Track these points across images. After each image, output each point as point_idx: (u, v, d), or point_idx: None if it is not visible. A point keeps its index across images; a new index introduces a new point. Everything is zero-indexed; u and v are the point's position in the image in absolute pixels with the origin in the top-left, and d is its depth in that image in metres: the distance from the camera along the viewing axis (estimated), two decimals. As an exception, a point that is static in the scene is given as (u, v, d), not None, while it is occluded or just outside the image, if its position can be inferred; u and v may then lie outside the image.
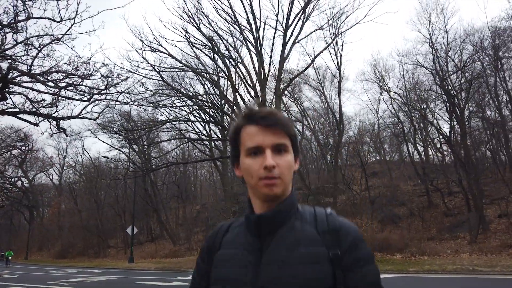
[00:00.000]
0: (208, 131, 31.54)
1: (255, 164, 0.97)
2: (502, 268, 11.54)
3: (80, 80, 8.85)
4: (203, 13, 21.68)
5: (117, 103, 10.55)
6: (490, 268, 11.72)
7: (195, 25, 21.54)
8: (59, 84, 8.83)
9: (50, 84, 8.73)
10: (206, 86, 27.84)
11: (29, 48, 8.66)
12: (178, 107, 25.12)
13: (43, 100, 9.21)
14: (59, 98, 9.01)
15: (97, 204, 39.23)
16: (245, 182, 1.03)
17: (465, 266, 12.38)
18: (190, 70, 23.09)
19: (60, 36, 8.43)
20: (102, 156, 32.02)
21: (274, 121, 0.99)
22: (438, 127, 24.28)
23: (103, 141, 47.62)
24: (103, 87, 9.27)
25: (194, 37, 22.80)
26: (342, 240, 0.96)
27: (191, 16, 21.25)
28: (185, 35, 21.76)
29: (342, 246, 0.95)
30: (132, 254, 27.43)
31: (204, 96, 26.64)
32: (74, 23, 8.26)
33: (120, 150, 33.30)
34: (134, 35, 32.03)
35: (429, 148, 29.34)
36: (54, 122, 9.66)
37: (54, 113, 9.65)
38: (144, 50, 20.32)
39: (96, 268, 24.57)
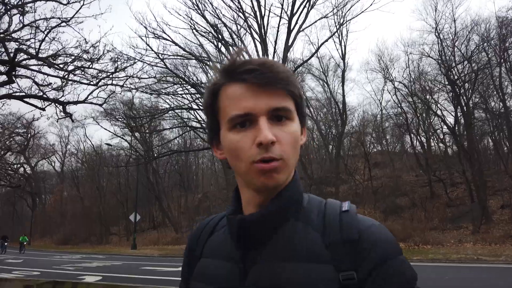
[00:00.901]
0: (210, 119, 31.45)
1: (244, 140, 0.67)
2: (507, 257, 11.59)
3: (89, 63, 8.79)
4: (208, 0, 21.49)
5: (123, 88, 10.49)
6: (495, 257, 11.78)
7: (199, 12, 21.36)
8: (67, 68, 8.77)
9: (59, 67, 8.65)
10: (209, 74, 27.68)
11: (36, 32, 8.58)
12: (180, 95, 25.02)
13: (50, 84, 9.19)
14: (68, 81, 8.95)
15: (99, 191, 39.41)
16: (230, 167, 0.73)
17: (469, 255, 12.45)
18: (193, 57, 22.95)
19: (68, 19, 8.35)
20: (105, 143, 32.04)
21: (271, 76, 0.67)
22: (443, 117, 24.20)
23: (105, 129, 47.80)
24: (112, 70, 9.22)
25: (198, 24, 22.63)
26: (363, 255, 0.64)
27: (195, 2, 21.06)
28: (189, 22, 21.61)
29: (362, 265, 0.64)
30: (135, 241, 27.61)
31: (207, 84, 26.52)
32: (83, 5, 8.18)
33: (122, 138, 33.34)
34: (138, 22, 31.89)
35: (432, 139, 29.31)
36: (60, 107, 9.63)
37: (61, 97, 9.62)
38: (147, 37, 20.19)
39: (99, 254, 24.76)
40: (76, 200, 43.22)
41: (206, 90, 0.76)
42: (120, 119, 27.72)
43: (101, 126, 48.30)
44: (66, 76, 8.82)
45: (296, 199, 0.73)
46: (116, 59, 9.39)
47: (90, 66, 8.94)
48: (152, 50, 20.18)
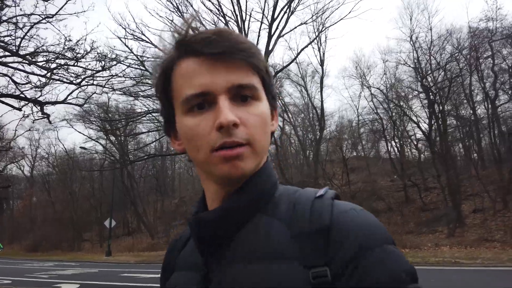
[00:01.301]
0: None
1: (202, 125, 0.57)
2: (483, 260, 11.94)
3: (74, 61, 8.41)
4: (188, 2, 21.37)
5: (105, 89, 10.18)
6: (472, 260, 12.11)
7: (180, 15, 21.17)
8: (50, 66, 8.40)
9: (42, 65, 8.27)
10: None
11: (13, 28, 8.16)
12: (158, 98, 24.67)
13: (30, 82, 8.78)
14: (50, 80, 8.56)
15: (71, 196, 38.14)
16: (190, 160, 0.64)
17: (447, 259, 12.75)
18: (174, 60, 22.73)
19: (51, 15, 7.98)
20: (80, 147, 31.12)
21: (229, 46, 0.57)
22: (417, 124, 24.87)
23: (79, 132, 46.30)
24: (95, 69, 8.91)
25: (178, 26, 22.44)
26: (337, 246, 0.52)
27: (175, 5, 20.89)
28: (170, 24, 21.38)
29: (336, 259, 0.52)
30: (109, 247, 26.85)
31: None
32: (68, 1, 7.85)
33: (97, 141, 32.52)
34: (117, 23, 31.33)
35: (407, 145, 30.08)
36: (38, 107, 9.24)
37: (39, 97, 9.23)
38: (127, 38, 19.81)
39: (72, 261, 23.91)
40: (46, 205, 41.67)
41: (157, 69, 0.65)
42: (95, 122, 27.05)
43: (75, 129, 46.98)
44: (49, 75, 8.44)
45: (264, 191, 0.62)
46: (104, 57, 9.11)
47: (75, 64, 8.60)
48: (132, 52, 19.84)
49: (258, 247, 0.57)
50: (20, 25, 8.31)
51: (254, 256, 0.56)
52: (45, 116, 10.22)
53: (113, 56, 10.32)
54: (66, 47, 8.24)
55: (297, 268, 0.52)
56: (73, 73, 8.87)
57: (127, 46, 21.28)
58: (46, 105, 9.68)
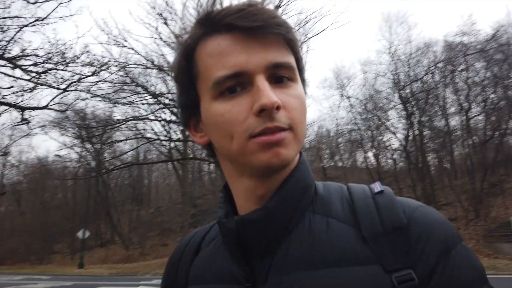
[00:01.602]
0: (167, 131, 30.68)
1: (236, 110, 0.49)
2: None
3: (63, 66, 8.10)
4: (172, 8, 21.21)
5: (87, 95, 9.87)
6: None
7: (163, 21, 20.98)
8: (38, 70, 8.05)
9: (28, 69, 7.91)
10: (169, 85, 27.13)
11: (3, 30, 7.80)
12: (137, 106, 24.26)
13: (12, 86, 8.38)
14: (37, 85, 8.18)
15: (42, 206, 36.66)
16: (213, 154, 0.58)
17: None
18: (156, 67, 22.40)
19: (41, 18, 7.66)
20: (55, 155, 30.12)
21: (266, 20, 0.49)
22: (394, 134, 25.47)
23: (54, 139, 45.01)
24: (89, 73, 8.62)
25: (163, 34, 22.21)
26: (418, 246, 0.48)
27: (159, 13, 20.69)
28: (154, 31, 21.18)
29: (420, 260, 0.47)
30: (82, 259, 25.92)
31: (169, 94, 25.99)
32: (61, 3, 7.57)
33: (72, 149, 31.51)
34: (100, 29, 30.79)
35: (384, 155, 30.69)
36: (20, 112, 8.83)
37: (20, 102, 8.83)
38: (109, 44, 19.41)
39: (42, 275, 22.84)
40: (15, 216, 39.86)
41: (177, 50, 0.56)
42: (71, 129, 26.28)
43: (50, 136, 45.48)
44: (36, 80, 8.06)
45: (308, 186, 0.55)
46: (94, 63, 8.83)
47: (64, 68, 8.27)
48: (115, 60, 19.46)
49: (321, 250, 0.50)
50: (5, 28, 7.98)
51: (320, 261, 0.49)
52: (25, 121, 9.82)
53: (105, 61, 10.08)
54: (56, 51, 7.93)
55: (378, 272, 0.47)
56: (60, 78, 8.56)
57: (109, 52, 20.83)
58: (26, 110, 9.29)
